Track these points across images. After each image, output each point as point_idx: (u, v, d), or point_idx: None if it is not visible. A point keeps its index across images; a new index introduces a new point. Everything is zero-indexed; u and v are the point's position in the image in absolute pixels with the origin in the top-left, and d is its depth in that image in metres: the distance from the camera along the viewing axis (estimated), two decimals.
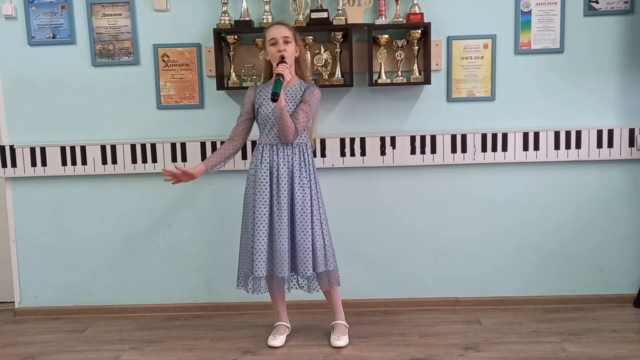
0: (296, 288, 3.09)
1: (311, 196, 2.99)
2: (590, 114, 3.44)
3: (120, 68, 3.46)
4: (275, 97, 2.79)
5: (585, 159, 3.44)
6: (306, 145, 3.03)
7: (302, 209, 2.97)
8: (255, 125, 3.12)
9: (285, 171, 2.96)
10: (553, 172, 3.48)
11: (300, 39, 3.07)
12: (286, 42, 2.93)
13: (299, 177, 2.98)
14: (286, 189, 2.96)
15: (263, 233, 2.97)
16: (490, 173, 3.48)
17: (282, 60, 2.90)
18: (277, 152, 2.98)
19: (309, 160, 3.01)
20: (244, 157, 3.46)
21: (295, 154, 2.99)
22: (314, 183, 3.02)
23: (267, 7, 3.29)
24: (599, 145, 3.42)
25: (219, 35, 3.30)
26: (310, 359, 2.98)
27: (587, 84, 3.42)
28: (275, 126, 2.96)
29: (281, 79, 2.83)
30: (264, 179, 2.97)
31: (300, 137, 3.00)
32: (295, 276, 3.07)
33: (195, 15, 3.41)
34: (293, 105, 2.97)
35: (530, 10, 3.38)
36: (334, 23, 3.27)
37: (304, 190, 2.98)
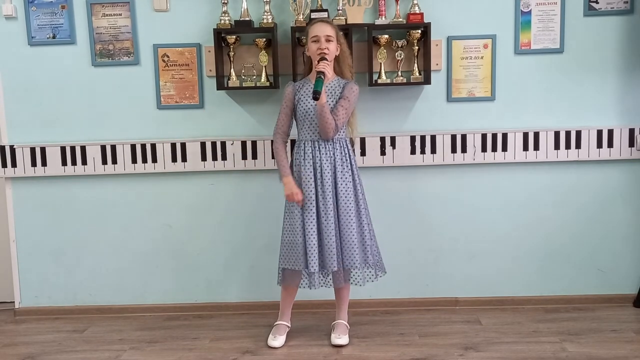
0: (324, 285, 3.10)
1: (355, 190, 3.02)
2: (590, 114, 3.44)
3: (120, 68, 3.46)
4: (317, 96, 2.82)
5: (585, 159, 3.44)
6: (346, 141, 3.06)
7: (345, 203, 2.99)
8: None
9: (328, 166, 2.99)
10: (553, 172, 3.48)
11: (343, 37, 3.07)
12: (328, 41, 2.94)
13: (342, 172, 3.00)
14: (330, 184, 2.99)
15: (313, 229, 2.98)
16: (490, 173, 3.48)
17: (323, 58, 2.91)
18: (319, 148, 3.00)
19: (350, 155, 3.05)
20: (244, 157, 3.46)
21: (337, 149, 3.01)
22: (356, 177, 3.05)
23: (267, 7, 3.29)
24: (599, 145, 3.42)
25: (219, 35, 3.30)
26: (310, 359, 2.98)
27: (587, 83, 3.42)
28: (315, 122, 2.98)
29: (322, 77, 2.85)
30: (309, 175, 2.99)
31: (340, 132, 3.02)
32: (341, 270, 3.06)
33: (195, 15, 3.41)
34: (332, 101, 2.99)
35: (530, 10, 3.38)
36: (334, 23, 3.26)
37: (346, 185, 3.00)
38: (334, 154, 3.00)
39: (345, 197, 3.00)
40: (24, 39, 3.45)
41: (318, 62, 2.92)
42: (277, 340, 3.11)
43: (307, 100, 3.00)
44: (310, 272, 3.01)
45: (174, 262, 3.59)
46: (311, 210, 2.98)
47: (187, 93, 3.47)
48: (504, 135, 3.43)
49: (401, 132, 3.45)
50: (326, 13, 3.26)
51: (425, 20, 3.27)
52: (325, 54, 2.92)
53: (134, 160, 3.49)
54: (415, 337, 3.18)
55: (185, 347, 3.15)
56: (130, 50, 3.44)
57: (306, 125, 3.02)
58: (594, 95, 3.42)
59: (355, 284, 3.13)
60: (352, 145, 3.20)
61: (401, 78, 3.35)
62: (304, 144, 3.03)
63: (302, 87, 3.05)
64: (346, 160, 3.03)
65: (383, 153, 3.45)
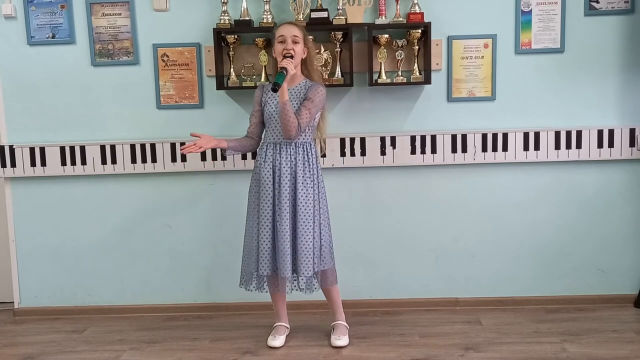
0: (297, 290, 3.08)
1: (314, 196, 2.99)
2: (590, 113, 3.43)
3: (119, 68, 3.45)
4: (275, 87, 2.78)
5: (586, 159, 3.43)
6: (310, 145, 3.02)
7: (304, 209, 2.96)
8: None
9: (287, 170, 2.96)
10: (553, 172, 3.47)
11: (310, 40, 3.06)
12: (295, 42, 2.93)
13: (302, 176, 2.97)
14: (287, 188, 2.95)
15: (267, 232, 2.97)
16: (490, 173, 3.48)
17: (286, 56, 2.90)
18: (279, 151, 2.98)
19: (313, 160, 3.00)
20: (244, 157, 3.46)
21: (299, 153, 2.98)
22: (316, 183, 3.01)
23: (267, 7, 3.29)
24: (600, 145, 3.42)
25: (219, 35, 3.29)
26: (310, 359, 2.98)
27: (587, 83, 3.41)
28: (279, 124, 2.96)
29: (284, 72, 2.83)
30: (267, 178, 2.97)
31: (305, 136, 2.99)
32: (297, 277, 3.06)
33: (195, 15, 3.40)
34: (297, 103, 2.96)
35: (531, 9, 3.37)
36: (334, 23, 3.26)
37: (306, 190, 2.97)
38: (295, 157, 2.97)
39: (304, 203, 2.95)
40: (23, 39, 3.44)
41: (282, 59, 2.90)
42: (277, 340, 3.11)
43: (272, 102, 2.99)
44: (259, 276, 3.01)
45: (174, 262, 3.59)
46: (267, 213, 2.96)
47: (187, 93, 3.47)
48: (505, 135, 3.42)
49: (401, 132, 3.45)
50: (326, 13, 3.26)
51: (426, 20, 3.27)
52: (290, 54, 2.90)
53: (134, 160, 3.49)
54: (415, 337, 3.18)
55: (185, 347, 3.14)
56: (129, 50, 3.44)
57: (270, 127, 3.01)
58: (594, 95, 3.42)
59: (309, 292, 3.06)
60: (323, 150, 3.22)
61: (401, 78, 3.34)
62: (266, 146, 3.01)
63: (268, 90, 3.03)
64: (308, 165, 2.98)
65: (383, 153, 3.44)
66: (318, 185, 3.02)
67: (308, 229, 2.96)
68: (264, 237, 2.97)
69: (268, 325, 3.27)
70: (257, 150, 3.09)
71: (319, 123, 3.09)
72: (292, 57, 2.89)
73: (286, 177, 2.95)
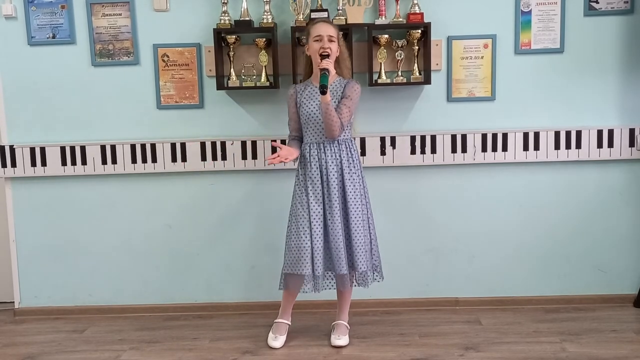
0: (329, 288, 3.08)
1: (361, 192, 3.02)
2: (590, 113, 3.44)
3: (120, 68, 3.46)
4: (324, 90, 2.80)
5: (585, 159, 3.44)
6: (352, 142, 3.05)
7: (355, 205, 2.98)
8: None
9: (334, 168, 2.98)
10: (553, 172, 3.47)
11: (342, 39, 3.09)
12: (330, 41, 2.95)
13: (349, 173, 2.99)
14: (336, 186, 2.97)
15: (320, 232, 2.97)
16: (490, 173, 3.48)
17: (326, 55, 2.92)
18: (324, 150, 2.99)
19: (356, 156, 3.04)
20: (244, 157, 3.46)
21: (343, 150, 3.00)
22: (361, 178, 3.05)
23: (267, 7, 3.29)
24: (599, 145, 3.42)
25: (219, 35, 3.29)
26: (310, 359, 2.98)
27: (587, 83, 3.42)
28: (320, 124, 2.97)
29: (327, 73, 2.85)
30: (315, 177, 2.98)
31: (345, 133, 3.01)
32: (349, 273, 3.03)
33: (195, 15, 3.40)
34: (335, 100, 2.98)
35: (531, 10, 3.37)
36: (334, 23, 3.26)
37: (354, 186, 2.99)
38: (340, 155, 2.99)
39: (354, 199, 2.99)
40: (23, 39, 3.45)
41: (321, 60, 2.92)
42: (277, 340, 3.11)
43: (309, 102, 3.00)
44: (315, 276, 2.98)
45: (174, 262, 3.59)
46: (318, 213, 2.97)
47: (187, 93, 3.47)
48: (504, 135, 3.42)
49: (401, 132, 3.45)
50: (326, 13, 3.26)
51: (425, 20, 3.27)
52: (327, 53, 2.93)
53: (134, 160, 3.49)
54: (415, 337, 3.18)
55: (185, 347, 3.15)
56: (130, 50, 3.44)
57: (310, 127, 3.02)
58: (594, 95, 3.42)
59: (364, 286, 3.08)
60: None
61: (401, 78, 3.34)
62: (310, 146, 3.02)
63: (304, 90, 3.04)
64: (353, 161, 3.02)
65: (383, 153, 3.45)
66: (362, 181, 3.06)
67: (361, 223, 2.99)
68: (317, 237, 2.96)
69: (268, 325, 3.27)
70: (301, 151, 3.06)
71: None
72: (328, 55, 2.92)
73: (334, 175, 2.97)
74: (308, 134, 3.03)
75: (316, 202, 2.97)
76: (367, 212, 3.06)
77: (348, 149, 3.02)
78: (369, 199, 3.10)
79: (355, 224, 2.99)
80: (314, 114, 2.98)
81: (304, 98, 3.02)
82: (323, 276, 3.05)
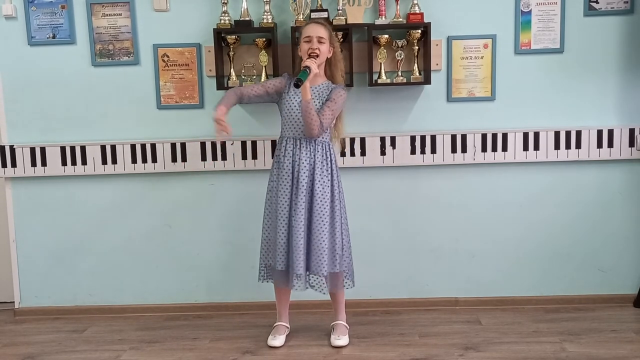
0: (307, 288, 3.08)
1: (332, 194, 3.00)
2: (590, 114, 3.44)
3: (120, 68, 3.46)
4: (298, 83, 2.81)
5: (585, 159, 3.44)
6: (329, 145, 3.05)
7: (320, 206, 2.97)
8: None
9: (306, 166, 2.98)
10: (553, 172, 3.48)
11: (337, 40, 3.09)
12: (320, 42, 2.95)
13: (320, 174, 2.99)
14: (305, 184, 2.97)
15: (284, 227, 2.99)
16: (490, 173, 3.48)
17: (312, 55, 2.92)
18: (299, 146, 2.99)
19: (331, 159, 3.03)
20: (244, 157, 3.46)
21: (318, 150, 3.00)
22: (335, 182, 3.03)
23: (267, 7, 3.29)
24: (599, 145, 3.42)
25: (219, 35, 3.30)
26: (310, 359, 2.98)
27: (587, 84, 3.42)
28: (299, 121, 2.98)
29: (307, 70, 2.85)
30: (287, 172, 2.99)
31: (324, 135, 3.01)
32: (309, 275, 3.05)
33: (195, 15, 3.41)
34: (319, 102, 2.98)
35: (530, 10, 3.37)
36: (334, 23, 3.26)
37: (324, 187, 2.98)
38: (314, 154, 2.99)
39: (321, 200, 2.97)
40: (23, 39, 3.45)
41: (306, 58, 2.93)
42: (277, 339, 3.11)
43: (292, 99, 3.01)
44: (292, 272, 2.98)
45: (174, 262, 3.59)
46: (285, 208, 2.99)
47: (187, 93, 3.47)
48: (504, 135, 3.42)
49: (401, 132, 3.45)
50: (326, 13, 3.26)
51: (425, 20, 3.27)
52: (315, 54, 2.93)
53: (134, 160, 3.49)
54: (415, 337, 3.18)
55: (185, 347, 3.15)
56: (130, 50, 3.44)
57: (290, 122, 3.02)
58: (594, 95, 3.42)
59: (320, 291, 3.06)
60: (343, 148, 3.25)
61: (401, 78, 3.34)
62: (286, 141, 3.02)
63: (291, 85, 3.05)
64: (327, 163, 3.01)
65: (383, 153, 3.45)
66: (338, 185, 3.05)
67: (323, 227, 2.97)
68: (281, 232, 2.98)
69: (268, 325, 3.28)
70: (277, 144, 3.10)
71: (336, 123, 3.11)
72: (317, 56, 2.92)
73: (305, 172, 2.97)
74: (286, 128, 3.04)
75: (283, 197, 2.99)
76: (338, 216, 3.01)
77: (324, 150, 3.01)
78: (344, 204, 3.08)
79: (317, 226, 2.96)
80: (295, 110, 2.99)
81: (290, 93, 3.03)
82: (305, 275, 3.02)
